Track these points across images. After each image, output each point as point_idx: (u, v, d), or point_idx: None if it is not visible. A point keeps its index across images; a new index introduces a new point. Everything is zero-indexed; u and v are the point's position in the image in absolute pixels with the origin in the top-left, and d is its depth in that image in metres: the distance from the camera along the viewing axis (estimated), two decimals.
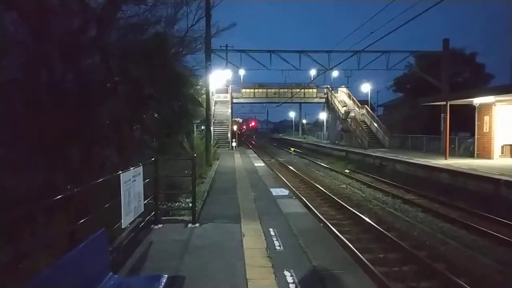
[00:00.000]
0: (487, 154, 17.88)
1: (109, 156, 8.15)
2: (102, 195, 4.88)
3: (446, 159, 17.88)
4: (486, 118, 18.03)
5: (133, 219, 5.17)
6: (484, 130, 18.13)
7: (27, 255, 3.66)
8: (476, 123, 18.64)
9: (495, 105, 17.48)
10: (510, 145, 17.34)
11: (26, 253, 3.70)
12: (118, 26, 9.54)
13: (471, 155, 19.11)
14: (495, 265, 6.63)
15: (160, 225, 6.41)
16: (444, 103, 19.79)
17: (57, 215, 4.36)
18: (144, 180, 5.64)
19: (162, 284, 3.19)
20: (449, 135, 19.46)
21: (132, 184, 4.99)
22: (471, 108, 18.99)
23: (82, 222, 3.63)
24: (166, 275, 3.36)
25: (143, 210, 5.54)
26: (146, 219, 6.17)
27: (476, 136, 18.86)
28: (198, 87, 18.99)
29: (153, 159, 6.53)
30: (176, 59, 13.06)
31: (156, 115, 9.58)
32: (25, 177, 6.28)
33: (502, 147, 17.83)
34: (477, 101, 17.95)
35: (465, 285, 5.56)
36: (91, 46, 8.25)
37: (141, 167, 5.47)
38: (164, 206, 7.67)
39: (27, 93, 6.96)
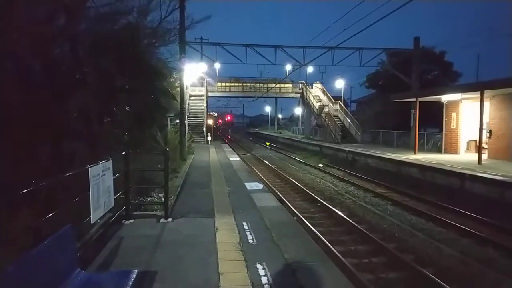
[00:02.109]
0: (454, 150, 18.60)
1: (78, 150, 7.91)
2: (70, 190, 4.74)
3: (415, 154, 18.45)
4: (453, 114, 18.71)
5: (102, 214, 5.04)
6: (451, 126, 18.83)
7: None
8: (444, 119, 19.33)
9: (461, 102, 18.16)
10: (475, 141, 18.04)
11: None
12: (88, 15, 9.24)
13: (439, 150, 19.82)
14: (460, 255, 6.92)
15: (131, 220, 6.29)
16: (414, 99, 20.39)
17: (22, 210, 4.20)
18: (114, 174, 5.52)
19: (132, 279, 3.13)
20: (419, 131, 20.11)
21: (101, 178, 4.87)
22: (439, 105, 19.65)
23: (49, 217, 3.51)
24: (136, 271, 3.30)
25: (113, 205, 5.41)
26: (117, 214, 6.05)
27: (444, 132, 19.56)
28: (172, 79, 18.73)
29: (123, 153, 6.38)
30: (149, 51, 12.82)
31: (127, 108, 9.35)
32: None
33: (468, 142, 18.57)
34: (445, 98, 18.58)
35: (431, 275, 5.78)
36: (60, 36, 7.96)
37: (110, 161, 5.34)
38: (136, 201, 7.54)
39: None
